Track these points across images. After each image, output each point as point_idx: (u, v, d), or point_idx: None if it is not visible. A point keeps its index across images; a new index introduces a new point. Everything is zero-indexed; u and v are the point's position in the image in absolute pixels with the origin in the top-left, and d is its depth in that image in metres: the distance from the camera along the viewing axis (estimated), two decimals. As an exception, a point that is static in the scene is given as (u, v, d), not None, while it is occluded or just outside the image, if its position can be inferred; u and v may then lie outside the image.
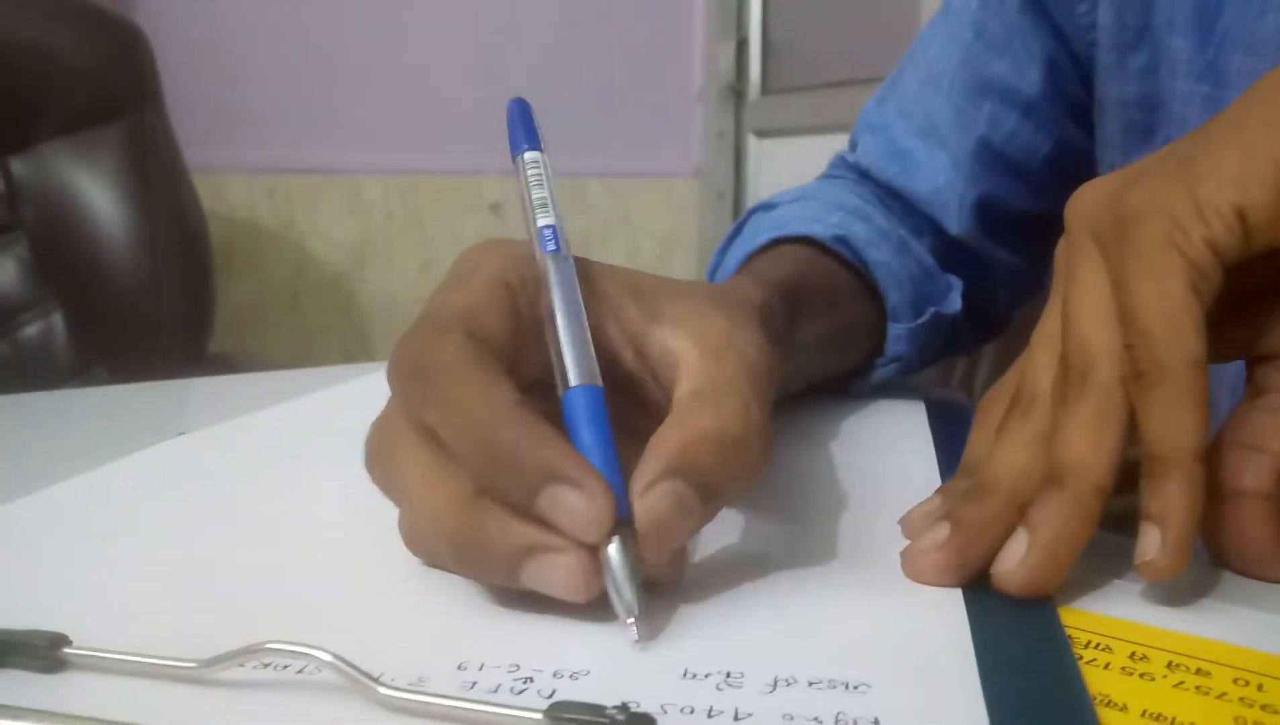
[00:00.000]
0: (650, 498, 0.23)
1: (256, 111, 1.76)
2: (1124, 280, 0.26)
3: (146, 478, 0.35)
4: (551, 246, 0.26)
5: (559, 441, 0.23)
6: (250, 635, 0.20)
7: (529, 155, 0.29)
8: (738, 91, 1.91)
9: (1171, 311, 0.25)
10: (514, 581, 0.23)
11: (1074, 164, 0.50)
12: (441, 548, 0.24)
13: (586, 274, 0.28)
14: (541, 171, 0.28)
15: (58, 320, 1.10)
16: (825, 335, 0.43)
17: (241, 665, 0.20)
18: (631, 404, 0.27)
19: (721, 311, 0.28)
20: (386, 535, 0.28)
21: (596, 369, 0.25)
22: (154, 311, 1.12)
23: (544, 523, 0.22)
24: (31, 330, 1.10)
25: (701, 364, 0.26)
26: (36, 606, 0.24)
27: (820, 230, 0.47)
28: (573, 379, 0.24)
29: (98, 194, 1.10)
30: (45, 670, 0.21)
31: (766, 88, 1.89)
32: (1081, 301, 0.27)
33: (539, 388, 0.26)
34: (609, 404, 0.24)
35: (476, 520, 0.23)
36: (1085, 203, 0.29)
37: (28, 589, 0.25)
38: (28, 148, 1.10)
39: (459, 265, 0.28)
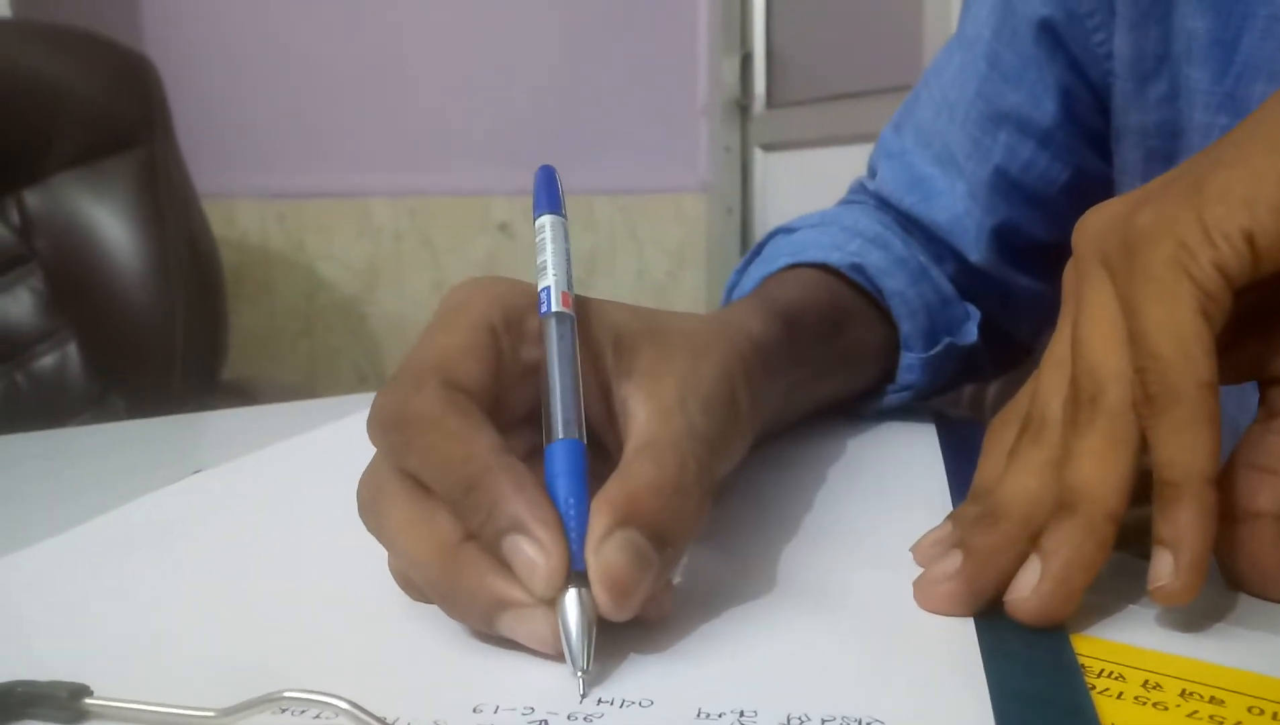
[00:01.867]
0: (605, 550, 0.23)
1: (265, 137, 1.77)
2: (1133, 304, 0.26)
3: (163, 519, 0.35)
4: (544, 308, 0.28)
5: (532, 490, 0.23)
6: (269, 680, 0.20)
7: (539, 221, 0.30)
8: (743, 106, 1.92)
9: (1181, 335, 0.25)
10: (491, 630, 0.24)
11: (1094, 191, 0.50)
12: (429, 590, 0.25)
13: (580, 317, 0.29)
14: (546, 236, 0.30)
15: (73, 350, 1.11)
16: (832, 359, 0.43)
17: (261, 713, 0.20)
18: (597, 455, 0.28)
19: (686, 365, 0.29)
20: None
21: (582, 423, 0.26)
22: (168, 339, 1.12)
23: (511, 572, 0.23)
24: (47, 361, 1.11)
25: (648, 424, 0.27)
26: (57, 656, 0.24)
27: (837, 257, 0.48)
28: (557, 433, 0.25)
29: (110, 224, 1.11)
30: (67, 721, 0.21)
31: (772, 101, 1.89)
32: (1091, 325, 0.27)
33: (526, 426, 0.27)
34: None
35: (456, 570, 0.24)
36: (1093, 226, 0.29)
37: (49, 638, 0.26)
38: (40, 180, 1.11)
39: (446, 304, 0.29)
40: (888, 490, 0.37)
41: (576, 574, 0.23)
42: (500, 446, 0.24)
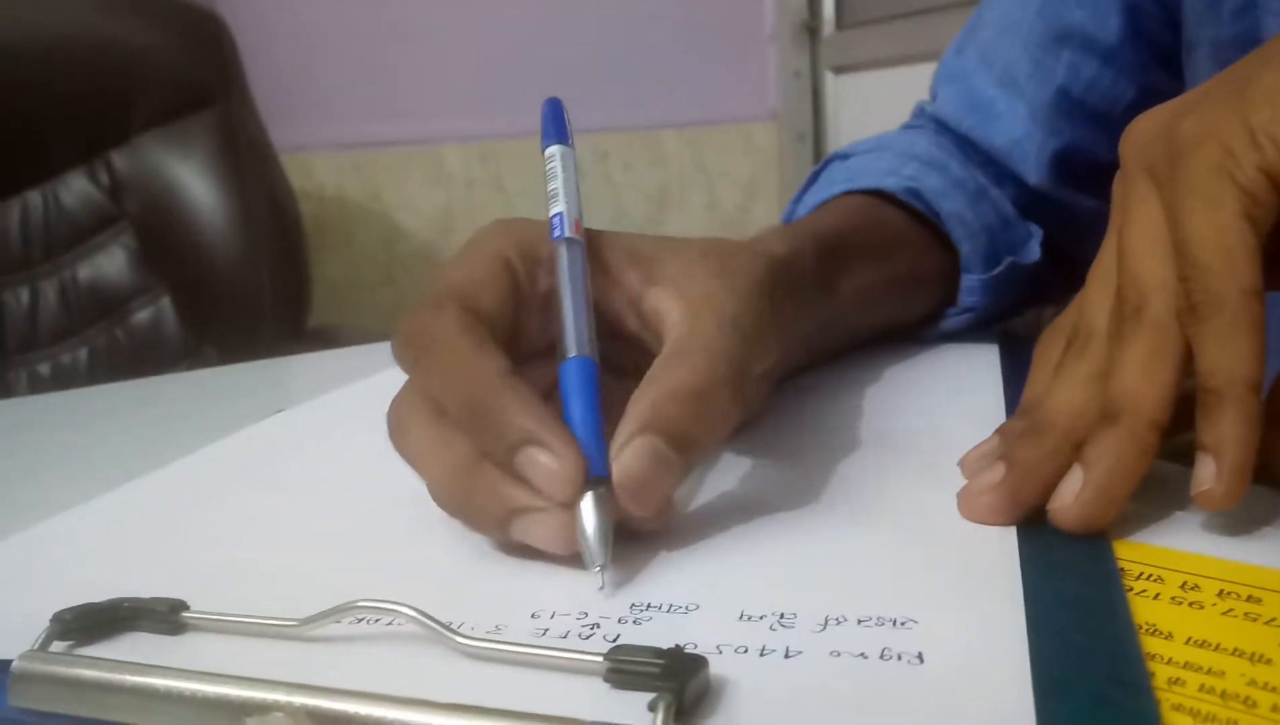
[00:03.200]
0: (626, 454, 0.24)
1: (337, 90, 1.80)
2: (1176, 211, 0.26)
3: (248, 454, 0.38)
4: (556, 233, 0.29)
5: (538, 408, 0.25)
6: (345, 594, 0.22)
7: (548, 151, 0.31)
8: (812, 29, 1.87)
9: (1224, 241, 0.25)
10: (507, 537, 0.25)
11: None
12: (449, 508, 0.27)
13: (593, 247, 0.30)
14: (556, 165, 0.31)
15: (166, 305, 1.16)
16: (880, 285, 0.44)
17: (337, 622, 0.22)
18: (638, 364, 0.28)
19: (713, 267, 0.30)
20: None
21: (594, 342, 0.27)
22: (254, 291, 1.17)
23: (526, 483, 0.24)
24: (143, 316, 1.16)
25: (680, 324, 0.28)
26: (159, 576, 0.27)
27: (892, 182, 0.47)
28: (569, 351, 0.26)
29: (194, 181, 1.15)
30: (168, 633, 0.23)
31: (841, 22, 1.84)
32: (1136, 235, 0.27)
33: (545, 360, 0.28)
34: (613, 369, 0.27)
35: (471, 485, 0.25)
36: (1139, 134, 0.29)
37: (151, 560, 0.28)
38: (126, 141, 1.15)
39: (467, 242, 0.30)
40: (943, 406, 0.37)
41: (593, 478, 0.24)
42: (507, 369, 0.26)
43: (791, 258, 0.35)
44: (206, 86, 1.16)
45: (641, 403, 0.25)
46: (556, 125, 0.32)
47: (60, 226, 1.16)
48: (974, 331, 0.49)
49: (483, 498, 0.25)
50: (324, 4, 1.78)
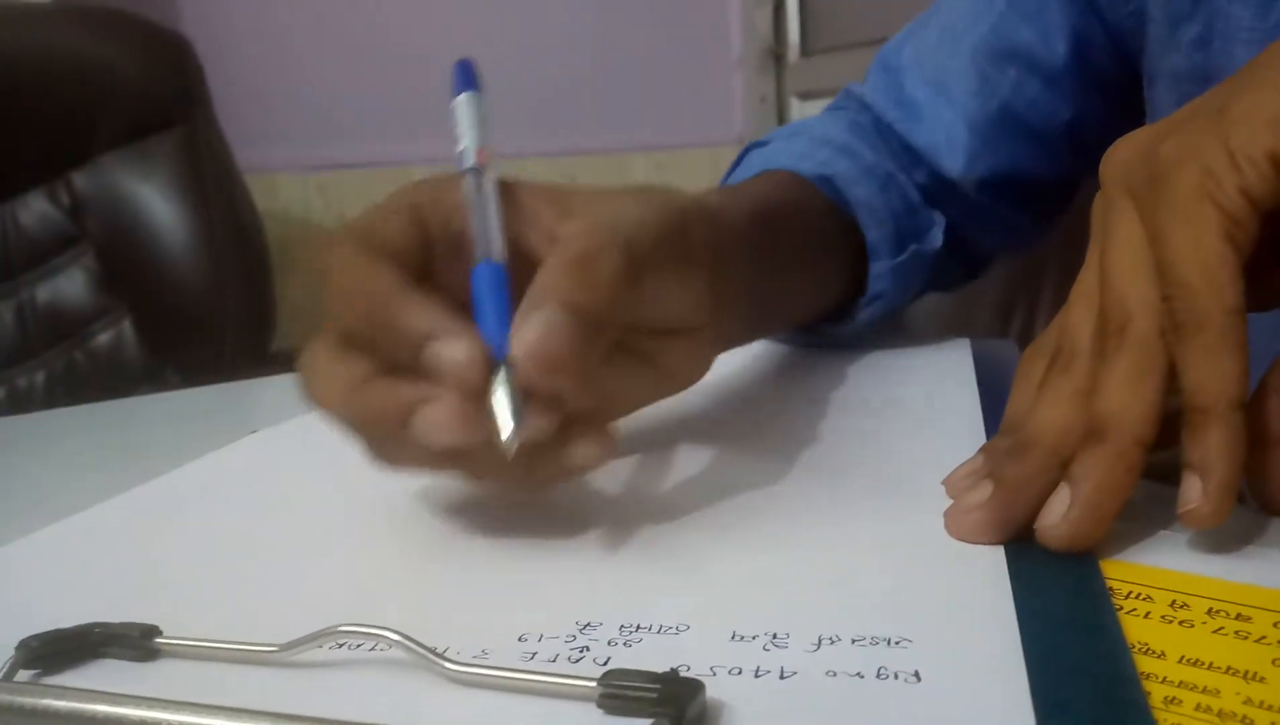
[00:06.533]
0: (524, 327, 0.24)
1: (302, 110, 1.79)
2: (1159, 233, 0.26)
3: (224, 475, 0.37)
4: (462, 166, 0.29)
5: (438, 310, 0.25)
6: (325, 619, 0.22)
7: (454, 103, 0.32)
8: (777, 55, 1.90)
9: (1207, 262, 0.25)
10: (408, 438, 0.25)
11: (1091, 134, 0.51)
12: (352, 432, 0.27)
13: (511, 192, 0.30)
14: (461, 112, 0.31)
15: (127, 327, 1.14)
16: (796, 246, 0.45)
17: (319, 647, 0.21)
18: None
19: (628, 200, 0.30)
20: (450, 519, 0.29)
21: (501, 248, 0.27)
22: (218, 313, 1.15)
23: (432, 380, 0.24)
24: (104, 338, 1.14)
25: (575, 231, 0.28)
26: (130, 600, 0.26)
27: (806, 167, 0.49)
28: (478, 257, 0.27)
29: (156, 202, 1.13)
30: (140, 659, 0.22)
31: (806, 49, 1.87)
32: (1118, 255, 0.27)
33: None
34: (516, 281, 0.27)
35: (366, 396, 0.25)
36: (1119, 157, 0.29)
37: (122, 584, 0.27)
38: (87, 161, 1.13)
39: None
40: (921, 422, 0.37)
41: (501, 363, 0.24)
42: (406, 281, 0.26)
43: (714, 204, 0.36)
44: (170, 106, 1.15)
45: (532, 289, 0.25)
46: (464, 78, 0.33)
47: (18, 247, 1.14)
48: (882, 324, 0.50)
49: (379, 403, 0.25)
50: (289, 24, 1.77)
